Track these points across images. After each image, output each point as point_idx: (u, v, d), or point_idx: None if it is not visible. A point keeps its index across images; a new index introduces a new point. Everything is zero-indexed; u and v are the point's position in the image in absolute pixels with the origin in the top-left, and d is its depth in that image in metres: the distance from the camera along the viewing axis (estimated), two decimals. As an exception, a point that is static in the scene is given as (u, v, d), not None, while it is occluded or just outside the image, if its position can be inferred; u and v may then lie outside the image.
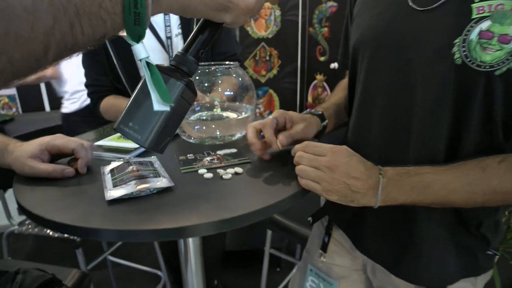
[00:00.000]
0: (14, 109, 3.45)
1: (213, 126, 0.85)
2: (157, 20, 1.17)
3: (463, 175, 0.56)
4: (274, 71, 3.03)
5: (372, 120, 0.68)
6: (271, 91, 3.08)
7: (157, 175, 0.61)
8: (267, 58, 2.99)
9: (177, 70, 0.51)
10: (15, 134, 1.53)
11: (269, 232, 1.48)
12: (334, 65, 2.63)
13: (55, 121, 2.05)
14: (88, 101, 2.38)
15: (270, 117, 0.70)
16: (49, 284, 0.77)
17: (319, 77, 2.85)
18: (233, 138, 0.84)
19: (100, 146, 0.80)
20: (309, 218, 0.87)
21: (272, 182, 0.62)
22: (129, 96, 1.24)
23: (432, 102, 0.59)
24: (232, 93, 0.84)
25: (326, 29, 2.71)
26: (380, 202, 0.58)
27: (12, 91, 3.37)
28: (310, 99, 2.92)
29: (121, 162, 0.66)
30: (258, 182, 0.62)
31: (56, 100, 2.59)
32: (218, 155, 0.74)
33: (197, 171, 0.66)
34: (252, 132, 0.69)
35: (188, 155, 0.75)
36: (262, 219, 0.53)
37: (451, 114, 0.58)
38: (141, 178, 0.59)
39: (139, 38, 0.42)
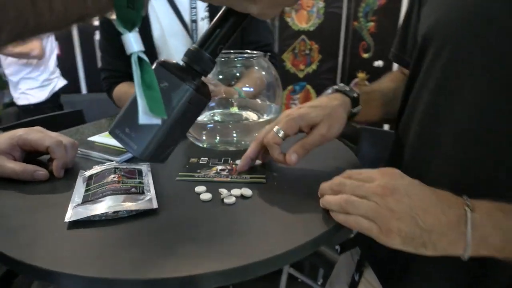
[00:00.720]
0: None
1: (230, 126, 0.71)
2: (182, 0, 1.04)
3: None
4: (314, 66, 2.90)
5: (444, 138, 0.50)
6: (308, 86, 2.95)
7: (140, 190, 0.47)
8: (307, 52, 2.87)
9: (187, 69, 0.41)
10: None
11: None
12: (378, 63, 2.46)
13: (75, 106, 1.92)
14: (58, 86, 2.30)
15: (274, 129, 0.53)
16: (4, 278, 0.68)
17: (361, 75, 2.68)
18: (251, 145, 0.69)
19: (92, 142, 0.67)
20: (337, 247, 0.71)
21: (291, 212, 0.46)
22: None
23: None
24: (252, 89, 0.69)
25: (372, 23, 2.55)
26: (472, 249, 0.38)
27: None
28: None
29: (105, 168, 0.53)
30: (271, 212, 0.47)
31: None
32: (233, 166, 0.60)
33: (194, 186, 0.52)
34: (254, 151, 0.57)
35: (201, 158, 0.63)
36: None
37: None
38: (120, 193, 0.45)
39: (132, 25, 0.33)
